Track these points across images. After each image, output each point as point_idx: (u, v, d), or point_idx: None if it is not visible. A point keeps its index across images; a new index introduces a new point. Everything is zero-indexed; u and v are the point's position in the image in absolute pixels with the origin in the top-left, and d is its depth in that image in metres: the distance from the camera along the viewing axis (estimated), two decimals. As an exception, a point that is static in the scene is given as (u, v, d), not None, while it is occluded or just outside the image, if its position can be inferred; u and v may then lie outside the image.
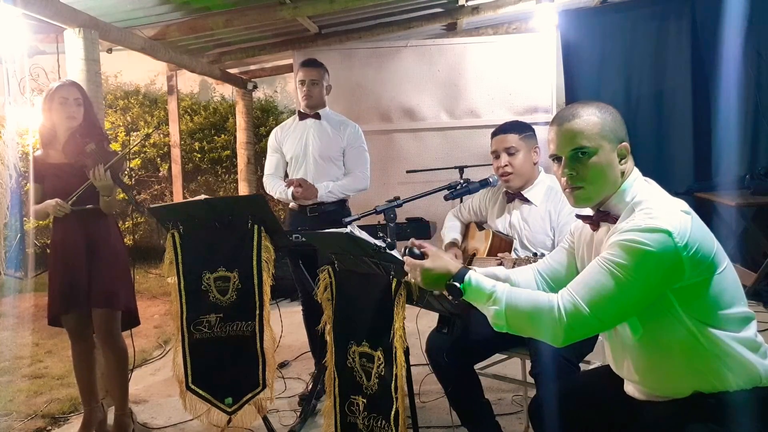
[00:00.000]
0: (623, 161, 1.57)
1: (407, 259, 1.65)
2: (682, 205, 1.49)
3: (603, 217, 1.59)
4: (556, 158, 1.61)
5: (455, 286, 1.54)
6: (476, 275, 1.55)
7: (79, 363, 2.79)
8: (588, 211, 1.67)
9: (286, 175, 3.39)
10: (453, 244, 2.71)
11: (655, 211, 1.44)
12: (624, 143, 1.57)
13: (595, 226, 1.63)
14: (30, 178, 2.76)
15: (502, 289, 1.51)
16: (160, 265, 2.77)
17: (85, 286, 2.67)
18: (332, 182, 3.23)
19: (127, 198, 2.66)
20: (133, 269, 2.94)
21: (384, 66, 5.33)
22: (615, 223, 1.54)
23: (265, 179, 3.43)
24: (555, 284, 1.78)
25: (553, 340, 1.47)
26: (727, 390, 1.48)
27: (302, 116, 3.32)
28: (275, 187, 3.32)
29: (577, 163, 1.56)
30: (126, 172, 2.84)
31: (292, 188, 3.19)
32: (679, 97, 5.07)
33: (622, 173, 1.57)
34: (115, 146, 6.25)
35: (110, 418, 2.94)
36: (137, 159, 7.31)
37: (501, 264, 2.18)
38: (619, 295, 1.41)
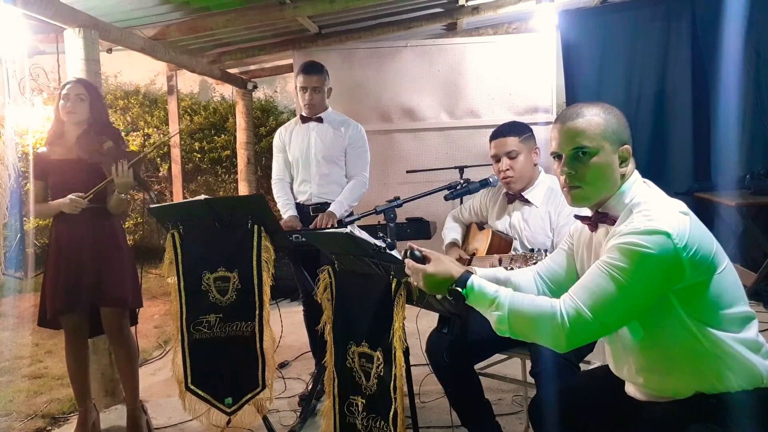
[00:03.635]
0: (624, 164, 1.56)
1: (408, 262, 1.63)
2: (680, 206, 1.49)
3: (601, 218, 1.59)
4: (556, 156, 1.61)
5: (458, 291, 1.53)
6: (479, 280, 1.54)
7: (75, 363, 2.78)
8: (586, 212, 1.67)
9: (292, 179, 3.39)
10: (453, 245, 2.71)
11: (654, 212, 1.44)
12: (626, 146, 1.57)
13: (593, 227, 1.63)
14: (30, 176, 2.76)
15: (505, 294, 1.50)
16: (160, 265, 2.76)
17: (90, 285, 2.67)
18: (343, 200, 3.21)
19: (148, 196, 2.69)
20: (141, 269, 2.94)
21: (384, 66, 5.33)
22: (613, 224, 1.53)
23: (274, 184, 3.41)
24: (555, 286, 1.77)
25: (556, 345, 1.45)
26: (729, 390, 1.47)
27: (304, 119, 3.33)
28: (282, 201, 3.32)
29: (576, 162, 1.56)
30: (144, 172, 2.89)
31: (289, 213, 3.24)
32: (679, 97, 5.06)
33: (622, 176, 1.56)
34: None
35: (107, 418, 2.95)
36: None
37: (500, 261, 2.18)
38: (621, 299, 1.41)
